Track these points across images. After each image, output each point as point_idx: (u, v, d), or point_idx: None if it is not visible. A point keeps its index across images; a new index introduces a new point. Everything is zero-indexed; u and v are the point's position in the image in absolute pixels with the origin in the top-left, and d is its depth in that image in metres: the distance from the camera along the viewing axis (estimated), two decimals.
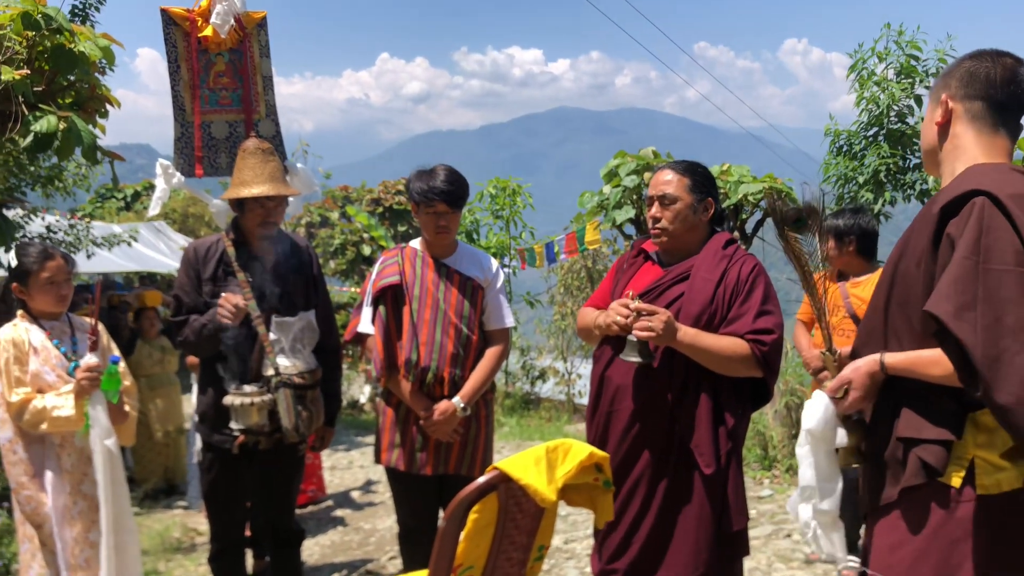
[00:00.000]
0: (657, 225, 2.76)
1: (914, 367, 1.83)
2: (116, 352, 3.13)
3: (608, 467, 2.05)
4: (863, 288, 4.14)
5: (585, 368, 12.70)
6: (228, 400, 3.15)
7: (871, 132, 7.65)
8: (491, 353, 3.32)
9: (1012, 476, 1.77)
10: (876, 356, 1.91)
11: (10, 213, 6.15)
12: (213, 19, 3.62)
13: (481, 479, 1.87)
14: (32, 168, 7.24)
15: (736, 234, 8.08)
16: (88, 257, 8.94)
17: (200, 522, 5.59)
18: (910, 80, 7.35)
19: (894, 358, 1.88)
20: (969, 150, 1.91)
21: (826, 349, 2.12)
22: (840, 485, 2.08)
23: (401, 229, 13.68)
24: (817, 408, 2.06)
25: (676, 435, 2.64)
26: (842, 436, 2.06)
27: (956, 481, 1.79)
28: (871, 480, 1.97)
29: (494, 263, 3.44)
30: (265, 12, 3.79)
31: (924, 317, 1.79)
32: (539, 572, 2.18)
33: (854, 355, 2.04)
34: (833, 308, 4.30)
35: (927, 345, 1.82)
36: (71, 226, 9.03)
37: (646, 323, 2.50)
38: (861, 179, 7.43)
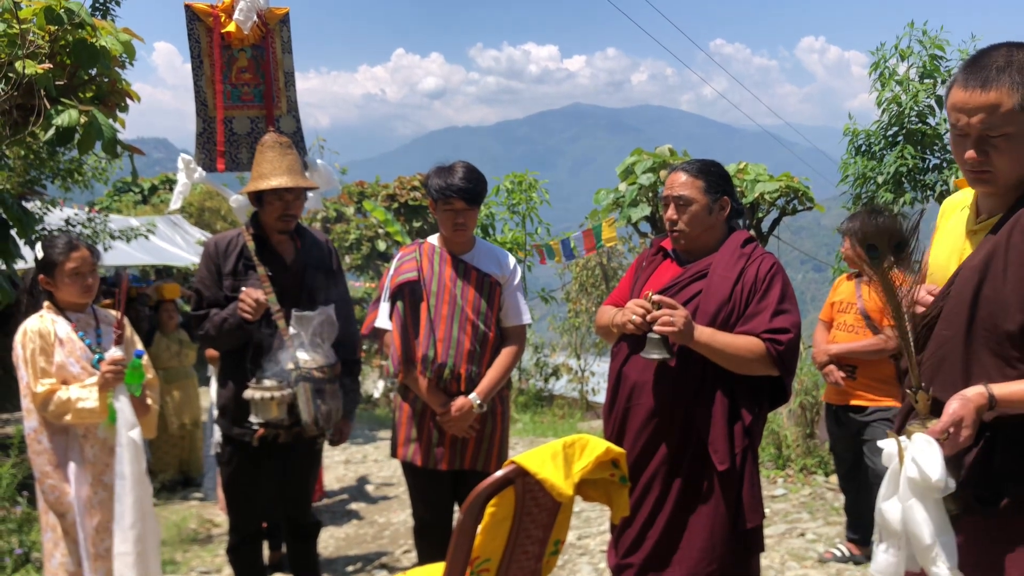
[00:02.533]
0: (674, 228, 2.77)
1: None
2: (140, 346, 3.17)
3: (624, 463, 2.05)
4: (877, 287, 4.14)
5: (598, 365, 12.70)
6: (248, 394, 3.18)
7: (891, 132, 7.60)
8: (508, 350, 3.34)
9: None
10: (982, 389, 1.72)
11: (29, 205, 6.22)
12: (236, 15, 3.66)
13: (499, 473, 1.88)
14: (52, 161, 7.32)
15: (751, 232, 8.05)
16: (105, 250, 9.03)
17: (216, 513, 5.64)
18: (932, 80, 7.30)
19: (1005, 390, 1.72)
20: None
21: (915, 386, 1.87)
22: (955, 537, 1.78)
23: (416, 225, 13.69)
24: (934, 455, 1.72)
25: (692, 432, 2.65)
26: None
27: None
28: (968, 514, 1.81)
29: (512, 260, 3.45)
30: (288, 8, 3.82)
31: (1016, 343, 1.71)
32: (554, 566, 2.19)
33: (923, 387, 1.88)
34: (846, 306, 4.30)
35: (1019, 373, 1.73)
36: (89, 219, 9.12)
37: (668, 318, 2.50)
38: (880, 179, 7.39)
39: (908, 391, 1.88)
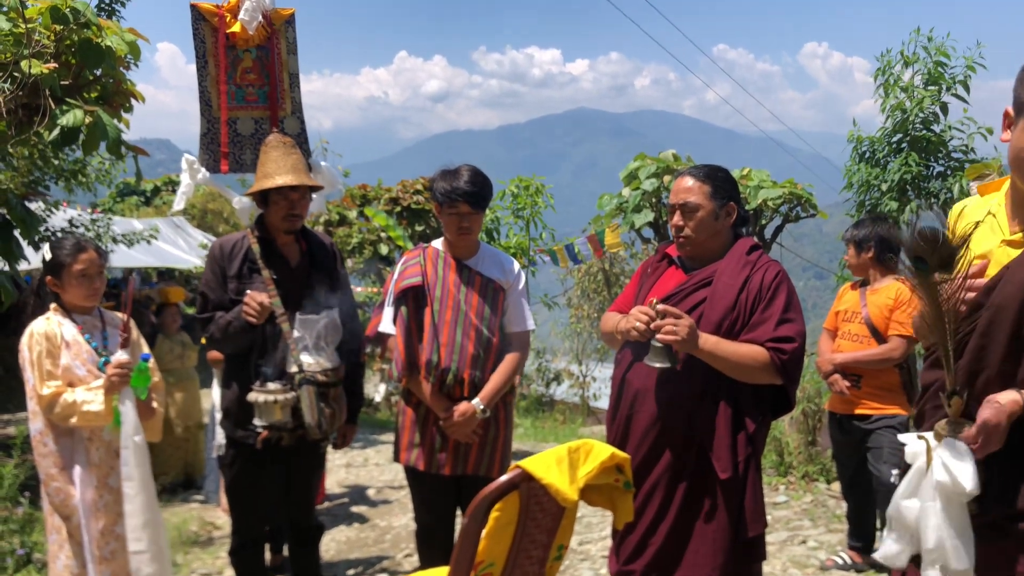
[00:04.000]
0: (680, 234, 2.76)
1: None
2: (146, 349, 3.17)
3: (629, 468, 2.05)
4: (880, 295, 4.14)
5: (600, 371, 12.70)
6: (252, 397, 3.18)
7: (895, 139, 7.60)
8: (511, 356, 3.33)
9: None
10: (1015, 395, 1.74)
11: (32, 206, 6.22)
12: (241, 15, 3.66)
13: (504, 477, 1.88)
14: (56, 162, 7.32)
15: (755, 239, 8.05)
16: (109, 253, 9.03)
17: (217, 516, 5.63)
18: (937, 87, 7.29)
19: None
20: None
21: (951, 391, 1.86)
22: (972, 539, 1.79)
23: (419, 229, 13.69)
24: (967, 463, 1.73)
25: (695, 439, 2.65)
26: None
27: None
28: (986, 524, 1.81)
29: (516, 265, 3.44)
30: (293, 10, 3.82)
31: None
32: (557, 571, 2.19)
33: (956, 395, 1.87)
34: (851, 315, 4.30)
35: None
36: (93, 220, 9.12)
37: (671, 327, 2.49)
38: (884, 187, 7.38)
39: (941, 394, 1.88)
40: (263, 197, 3.28)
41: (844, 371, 4.20)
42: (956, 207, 2.12)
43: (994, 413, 1.72)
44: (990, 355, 1.82)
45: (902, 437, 1.93)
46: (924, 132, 7.37)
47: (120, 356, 2.93)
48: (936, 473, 1.77)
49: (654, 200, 8.38)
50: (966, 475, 1.71)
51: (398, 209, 13.81)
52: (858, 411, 4.15)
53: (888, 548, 1.93)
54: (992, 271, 1.89)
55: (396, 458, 3.40)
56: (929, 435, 1.82)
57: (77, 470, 3.00)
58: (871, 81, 7.79)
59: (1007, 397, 1.73)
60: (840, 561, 4.34)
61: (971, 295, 1.85)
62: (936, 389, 1.92)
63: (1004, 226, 1.94)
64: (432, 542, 3.39)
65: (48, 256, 3.09)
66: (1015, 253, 1.86)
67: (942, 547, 1.77)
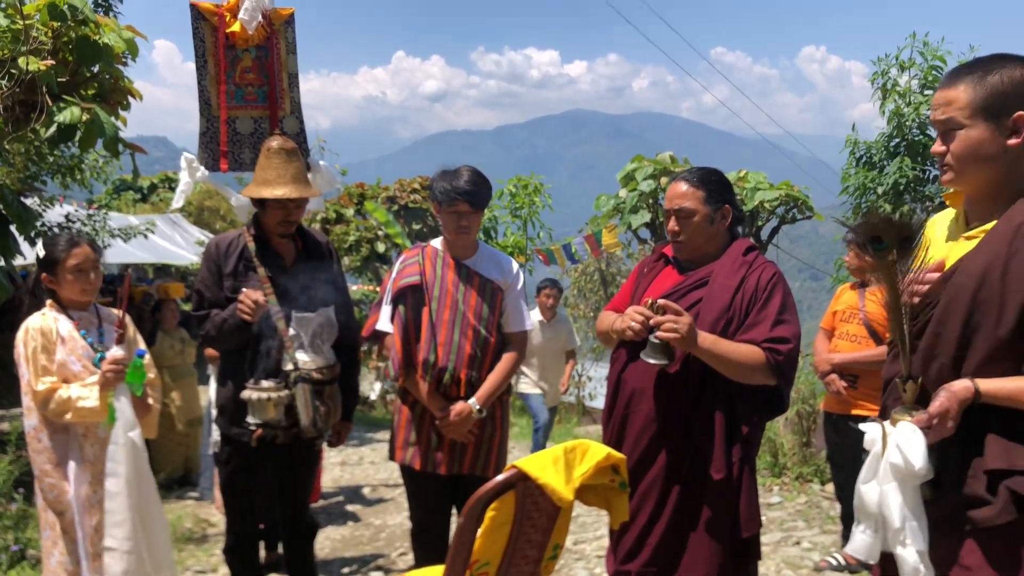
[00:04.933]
0: (677, 239, 2.77)
1: (1018, 396, 1.77)
2: (143, 345, 3.16)
3: (624, 469, 2.06)
4: (880, 296, 4.15)
5: (596, 371, 12.70)
6: (245, 394, 3.18)
7: (893, 143, 7.64)
8: (508, 356, 3.34)
9: None
10: (967, 383, 1.80)
11: (28, 202, 6.22)
12: (241, 15, 3.65)
13: (500, 477, 1.88)
14: (52, 158, 7.31)
15: (751, 240, 8.08)
16: (105, 247, 9.02)
17: (212, 513, 5.63)
18: (933, 91, 7.33)
19: (991, 385, 1.79)
20: None
21: (905, 376, 1.94)
22: (926, 522, 1.86)
23: (416, 227, 13.69)
24: (918, 444, 1.80)
25: (690, 440, 2.65)
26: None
27: None
28: (939, 509, 1.87)
29: (515, 265, 3.45)
30: (293, 9, 3.82)
31: (1009, 346, 1.78)
32: (553, 571, 2.19)
33: (914, 379, 1.93)
34: (849, 315, 4.31)
35: (1009, 370, 1.79)
36: (89, 216, 9.10)
37: (671, 324, 2.50)
38: (880, 190, 7.41)
39: (897, 380, 1.96)
40: (260, 201, 3.29)
41: (841, 371, 4.20)
42: (929, 220, 2.16)
43: (946, 398, 1.79)
44: (944, 343, 1.88)
45: (862, 426, 1.99)
46: (920, 137, 7.41)
47: (115, 352, 2.92)
48: (891, 455, 1.84)
49: (651, 201, 8.41)
50: (917, 455, 1.78)
51: (395, 207, 13.81)
52: (854, 412, 4.16)
53: (858, 541, 1.96)
54: (951, 264, 1.96)
55: (392, 457, 3.40)
56: (887, 422, 1.90)
57: (71, 466, 3.00)
58: (868, 85, 7.83)
59: (960, 384, 1.80)
60: (834, 562, 4.35)
61: (924, 287, 1.92)
62: (896, 381, 2.00)
63: (962, 224, 2.01)
64: (427, 541, 3.39)
65: (42, 252, 3.08)
66: (971, 247, 1.92)
67: (905, 526, 1.84)
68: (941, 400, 1.80)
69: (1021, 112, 1.81)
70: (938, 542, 1.85)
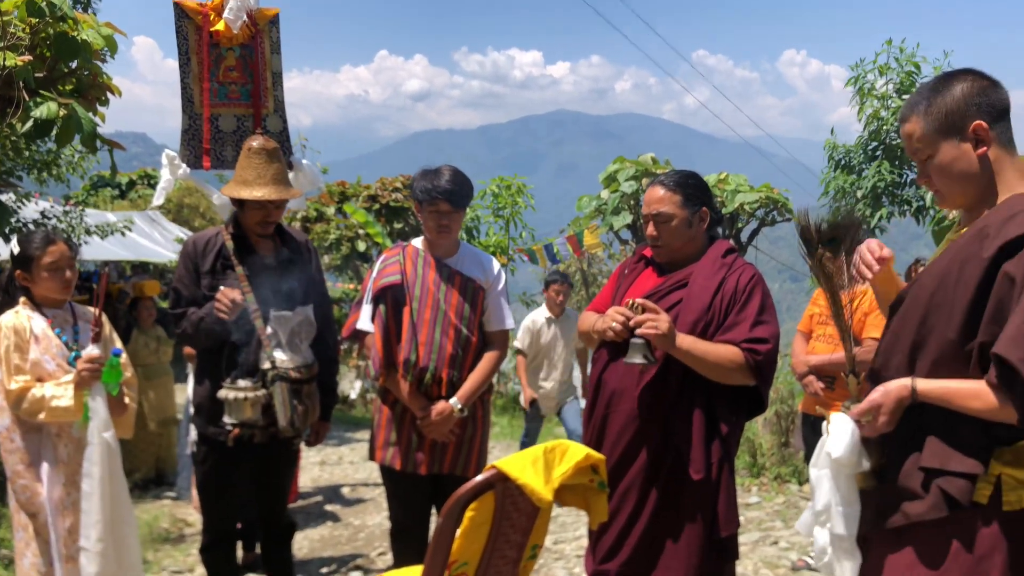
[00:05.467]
0: (656, 243, 2.79)
1: (952, 398, 1.81)
2: (119, 344, 3.13)
3: (604, 469, 2.06)
4: (855, 299, 4.18)
5: (577, 370, 12.70)
6: (222, 394, 3.16)
7: (871, 147, 7.72)
8: (490, 355, 3.34)
9: None
10: (907, 381, 1.87)
11: (3, 198, 6.15)
12: (226, 14, 3.64)
13: (479, 477, 1.88)
14: (28, 153, 7.23)
15: (731, 241, 8.13)
16: (81, 245, 8.93)
17: (189, 513, 5.59)
18: (908, 95, 7.43)
19: (928, 385, 1.84)
20: (1007, 176, 1.88)
21: (849, 371, 2.05)
22: (859, 510, 1.98)
23: (397, 226, 13.65)
24: (844, 434, 1.93)
25: (670, 440, 2.67)
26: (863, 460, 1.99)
27: (983, 499, 1.79)
28: (880, 501, 1.95)
29: (496, 264, 3.45)
30: (278, 9, 3.82)
31: (957, 349, 1.81)
32: (531, 571, 2.19)
33: (874, 377, 2.01)
34: (826, 317, 4.34)
35: (958, 372, 1.82)
36: (65, 212, 9.02)
37: (652, 322, 2.51)
38: (859, 193, 7.49)
39: (842, 375, 2.09)
40: (239, 200, 3.27)
41: (818, 373, 4.24)
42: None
43: (882, 394, 1.88)
44: (901, 343, 1.94)
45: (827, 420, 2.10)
46: (898, 140, 7.49)
47: (91, 351, 2.89)
48: (826, 444, 1.99)
49: (632, 202, 8.44)
50: (839, 445, 1.92)
51: (376, 206, 13.76)
52: (832, 412, 4.19)
53: (803, 518, 2.14)
54: None
55: (372, 456, 3.39)
56: (834, 414, 2.02)
57: (45, 467, 2.96)
58: (848, 89, 7.90)
59: (897, 383, 1.88)
60: (811, 561, 4.38)
61: (867, 272, 2.02)
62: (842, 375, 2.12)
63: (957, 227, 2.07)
64: (406, 541, 3.38)
65: (17, 249, 3.04)
66: None
67: (828, 511, 1.98)
68: (876, 396, 1.89)
69: (977, 121, 1.84)
70: (877, 533, 1.95)
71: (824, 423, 2.05)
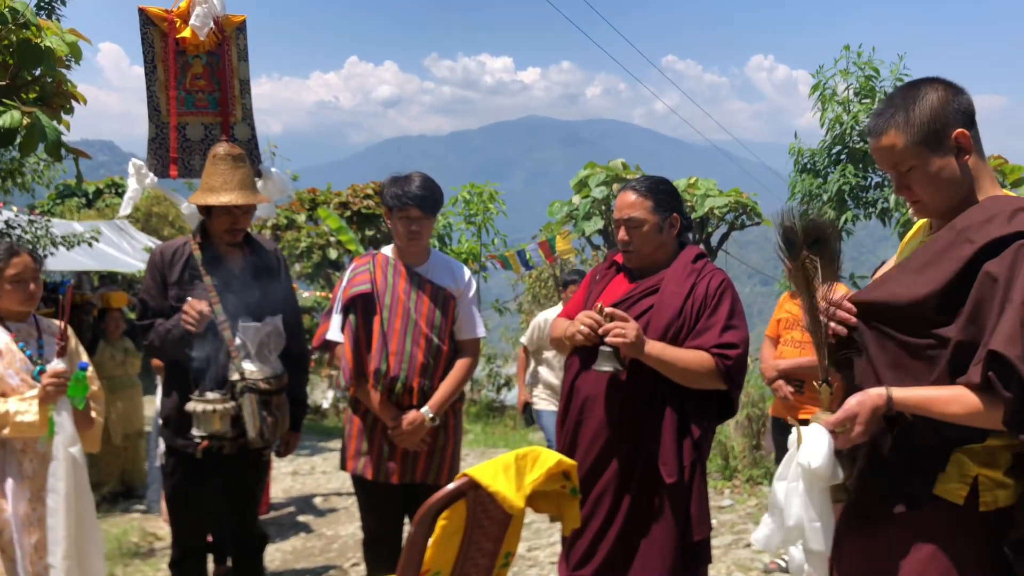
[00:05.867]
0: (627, 248, 2.81)
1: (929, 405, 1.79)
2: (85, 358, 3.08)
3: (575, 475, 2.07)
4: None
5: (550, 377, 12.72)
6: (190, 406, 3.12)
7: (835, 151, 7.83)
8: (461, 363, 3.33)
9: (1010, 493, 1.80)
10: (882, 391, 1.83)
11: None
12: (192, 21, 3.60)
13: (450, 486, 1.88)
14: None
15: (700, 247, 8.19)
16: (47, 256, 8.78)
17: (159, 526, 5.51)
18: (870, 100, 7.54)
19: (904, 394, 1.81)
20: (983, 180, 1.91)
21: (822, 381, 2.00)
22: (833, 523, 1.92)
23: (369, 233, 13.58)
24: (820, 444, 1.85)
25: (642, 445, 2.68)
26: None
27: (959, 499, 1.80)
28: (862, 494, 1.94)
29: (467, 272, 3.45)
30: (244, 16, 3.78)
31: (917, 350, 1.82)
32: None
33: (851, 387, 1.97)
34: (792, 322, 4.39)
35: (915, 375, 1.83)
36: (30, 222, 8.86)
37: (619, 330, 2.53)
38: (825, 196, 7.59)
39: (815, 384, 2.00)
40: (207, 208, 3.24)
41: (787, 377, 4.28)
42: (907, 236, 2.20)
43: (858, 403, 1.83)
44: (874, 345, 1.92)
45: (795, 430, 2.01)
46: (861, 144, 7.60)
47: (56, 365, 2.84)
48: (799, 456, 1.89)
49: (604, 208, 8.48)
50: (817, 456, 1.83)
51: (348, 214, 13.68)
52: (801, 416, 4.24)
53: (760, 531, 2.05)
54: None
55: (343, 466, 3.37)
56: (805, 426, 1.94)
57: (9, 483, 2.90)
58: (808, 95, 8.01)
59: (875, 391, 1.83)
60: (783, 564, 4.41)
61: (842, 330, 1.96)
62: (814, 384, 2.04)
63: (926, 231, 2.06)
64: (379, 551, 3.36)
65: None
66: None
67: (801, 526, 1.89)
68: (849, 405, 1.84)
69: (958, 129, 1.85)
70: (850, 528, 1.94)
71: (792, 435, 1.97)
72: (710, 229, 8.61)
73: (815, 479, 1.87)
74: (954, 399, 1.76)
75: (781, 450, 4.53)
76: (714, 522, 5.19)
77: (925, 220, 2.08)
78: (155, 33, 3.67)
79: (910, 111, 1.87)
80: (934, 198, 1.91)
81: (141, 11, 3.66)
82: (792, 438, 1.97)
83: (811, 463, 1.84)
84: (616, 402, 2.70)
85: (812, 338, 2.02)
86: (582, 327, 2.63)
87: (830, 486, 1.90)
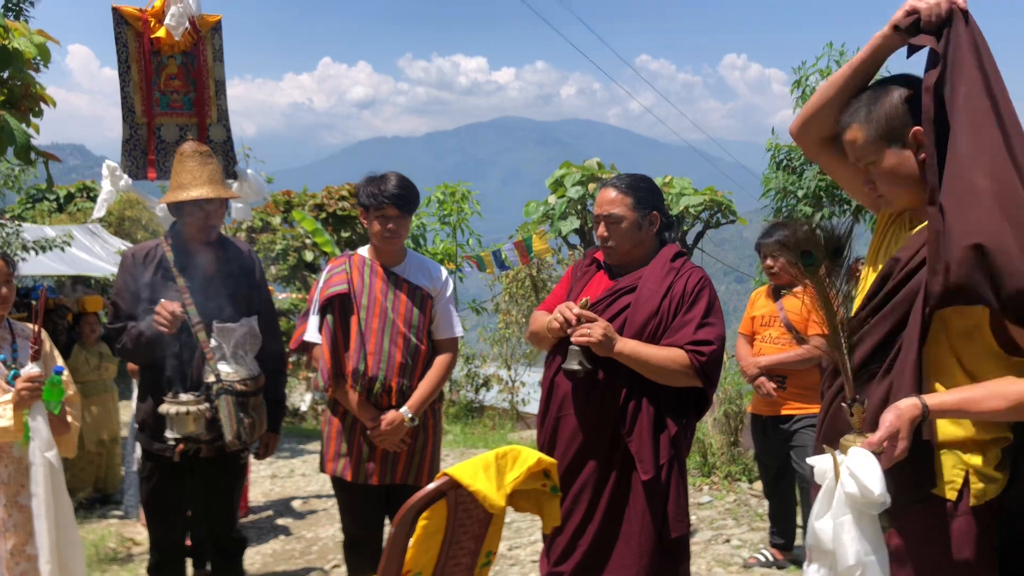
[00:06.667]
0: (606, 244, 2.82)
1: (968, 406, 1.72)
2: (60, 361, 3.04)
3: (556, 473, 2.08)
4: (798, 299, 4.26)
5: (529, 376, 12.75)
6: (164, 408, 3.10)
7: None
8: (440, 363, 3.33)
9: (997, 487, 1.80)
10: (915, 400, 1.73)
11: None
12: (167, 20, 3.57)
13: (431, 485, 1.88)
14: None
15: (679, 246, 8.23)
16: (19, 261, 8.66)
17: (137, 531, 5.46)
18: None
19: (939, 399, 1.73)
20: None
21: (851, 400, 1.82)
22: (887, 554, 1.73)
23: (344, 235, 13.52)
24: (872, 469, 1.65)
25: (621, 442, 2.69)
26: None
27: (952, 494, 1.79)
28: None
29: (443, 272, 3.45)
30: (220, 16, 3.75)
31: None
32: None
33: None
34: (769, 319, 4.41)
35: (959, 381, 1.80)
36: (0, 226, 8.75)
37: (585, 330, 2.55)
38: (800, 193, 7.65)
39: (844, 404, 1.85)
40: (178, 207, 3.21)
41: (769, 373, 4.28)
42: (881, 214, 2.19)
43: (896, 417, 1.71)
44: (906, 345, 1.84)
45: (810, 460, 1.89)
46: None
47: (30, 369, 2.80)
48: (845, 485, 1.70)
49: (580, 207, 8.50)
50: (874, 480, 1.65)
51: (323, 215, 13.61)
52: (785, 412, 4.25)
53: None
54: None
55: (323, 468, 3.36)
56: (838, 451, 1.79)
57: None
58: (788, 92, 8.07)
59: (907, 403, 1.73)
60: (762, 559, 4.45)
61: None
62: (839, 401, 1.92)
63: (906, 224, 2.04)
64: (360, 552, 3.35)
65: None
66: None
67: (861, 563, 1.69)
68: (891, 421, 1.71)
69: (916, 127, 1.86)
70: None
71: (824, 464, 1.80)
72: (685, 228, 8.66)
73: (870, 507, 1.68)
74: (992, 395, 1.70)
75: (761, 447, 4.55)
76: (693, 518, 5.23)
77: (886, 212, 2.09)
78: (129, 33, 3.63)
79: (871, 107, 1.91)
80: (894, 192, 1.94)
81: (115, 10, 3.62)
82: (826, 468, 1.80)
83: (871, 490, 1.64)
84: (593, 400, 2.71)
85: (835, 357, 1.87)
86: (558, 315, 2.66)
87: (879, 513, 1.71)
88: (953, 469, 1.81)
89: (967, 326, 1.80)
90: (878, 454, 1.70)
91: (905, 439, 1.71)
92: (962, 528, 1.80)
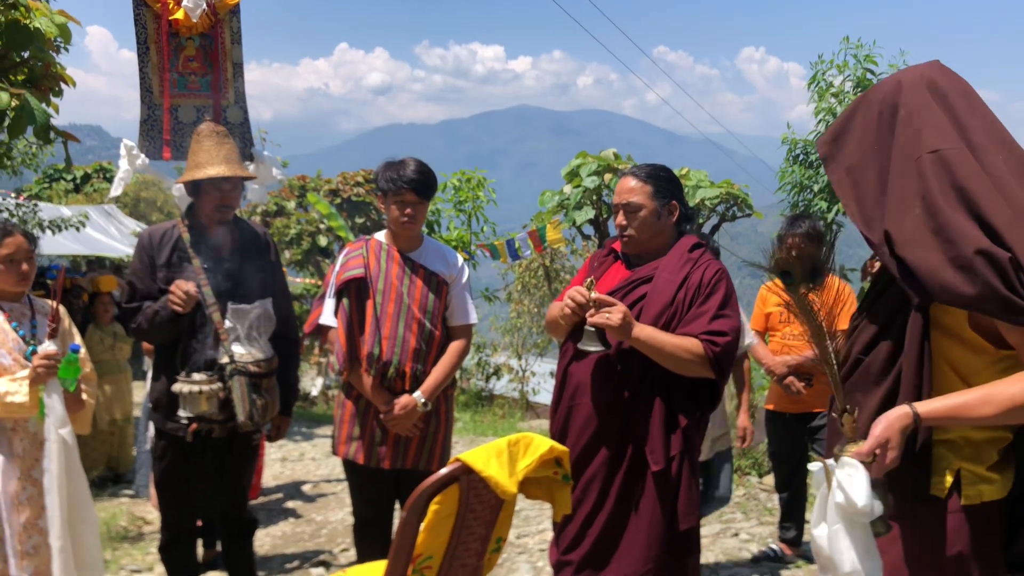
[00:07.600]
0: (624, 233, 2.80)
1: (961, 413, 1.71)
2: (78, 339, 3.06)
3: (567, 461, 2.07)
4: (820, 293, 4.20)
5: (539, 366, 12.76)
6: (177, 387, 3.12)
7: None
8: (453, 349, 3.33)
9: (996, 488, 1.79)
10: (905, 409, 1.73)
11: None
12: (185, 2, 3.59)
13: (443, 470, 1.88)
14: None
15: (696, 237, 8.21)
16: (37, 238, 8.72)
17: (148, 511, 5.50)
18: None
19: (929, 407, 1.72)
20: None
21: (841, 410, 1.83)
22: (880, 562, 1.75)
23: (359, 221, 13.53)
24: (859, 479, 1.68)
25: (632, 433, 2.69)
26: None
27: (942, 493, 1.79)
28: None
29: (460, 259, 3.45)
30: None
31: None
32: (495, 564, 2.20)
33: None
34: (788, 316, 4.35)
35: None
36: (18, 205, 8.81)
37: (605, 311, 2.54)
38: (816, 187, 7.60)
39: (834, 415, 1.86)
40: (195, 187, 3.23)
41: (797, 372, 4.20)
42: None
43: (886, 426, 1.72)
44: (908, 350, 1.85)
45: (810, 466, 1.90)
46: None
47: (47, 347, 2.82)
48: (835, 495, 1.73)
49: (595, 197, 8.47)
50: (859, 492, 1.68)
51: (338, 201, 13.63)
52: (816, 409, 4.18)
53: None
54: None
55: (335, 451, 3.37)
56: (831, 460, 1.81)
57: (0, 460, 2.90)
58: (806, 87, 8.00)
59: (896, 412, 1.73)
60: (771, 553, 4.44)
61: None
62: (833, 416, 1.92)
63: None
64: (370, 536, 3.37)
65: None
66: None
67: (858, 570, 1.72)
68: (880, 430, 1.72)
69: None
70: None
71: (817, 474, 1.82)
72: (701, 220, 8.62)
73: (857, 516, 1.70)
74: (984, 400, 1.69)
75: (780, 443, 4.46)
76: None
77: None
78: (148, 14, 3.65)
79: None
80: None
81: None
82: (819, 477, 1.83)
83: (855, 501, 1.68)
84: (607, 389, 2.70)
85: (825, 369, 1.89)
86: (569, 301, 2.64)
87: (871, 521, 1.73)
88: (945, 469, 1.80)
89: (951, 324, 1.79)
90: (869, 463, 1.71)
91: (895, 448, 1.71)
92: (955, 527, 1.79)
